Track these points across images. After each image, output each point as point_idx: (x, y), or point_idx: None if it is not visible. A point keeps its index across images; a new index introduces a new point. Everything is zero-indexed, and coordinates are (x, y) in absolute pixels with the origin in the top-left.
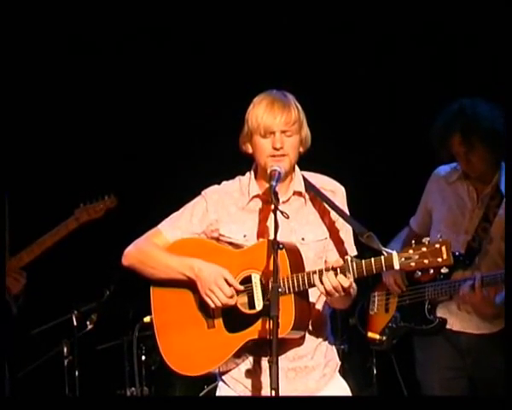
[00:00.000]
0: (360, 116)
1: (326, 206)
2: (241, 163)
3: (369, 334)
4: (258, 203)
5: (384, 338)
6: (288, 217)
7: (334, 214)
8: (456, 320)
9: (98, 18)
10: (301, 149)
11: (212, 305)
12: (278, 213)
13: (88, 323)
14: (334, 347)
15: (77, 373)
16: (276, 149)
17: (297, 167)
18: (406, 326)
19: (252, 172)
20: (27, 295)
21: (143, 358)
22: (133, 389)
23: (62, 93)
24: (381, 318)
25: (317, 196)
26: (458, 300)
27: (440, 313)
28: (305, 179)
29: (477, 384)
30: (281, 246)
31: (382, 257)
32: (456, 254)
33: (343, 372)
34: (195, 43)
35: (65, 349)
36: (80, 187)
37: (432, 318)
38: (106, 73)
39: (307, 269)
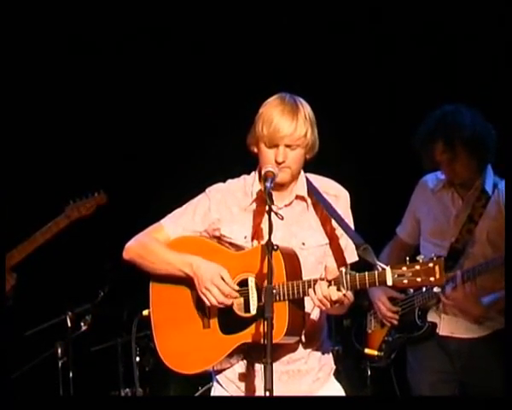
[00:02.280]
0: (360, 116)
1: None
2: (240, 162)
3: (367, 350)
4: (260, 205)
5: (382, 354)
6: (282, 218)
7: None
8: (444, 324)
9: (97, 17)
10: (307, 156)
11: (208, 303)
12: (272, 214)
13: (82, 324)
14: (330, 351)
15: (71, 374)
16: (278, 162)
17: (301, 171)
18: (401, 337)
19: (256, 173)
20: (18, 297)
21: (138, 359)
22: (127, 389)
23: (56, 91)
24: (377, 334)
25: (318, 201)
26: (444, 303)
27: (430, 318)
28: (308, 183)
29: (467, 388)
30: (275, 247)
31: (376, 272)
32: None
33: (337, 374)
34: (196, 42)
35: (59, 350)
36: (71, 185)
37: (421, 323)
38: (101, 69)
39: (306, 274)
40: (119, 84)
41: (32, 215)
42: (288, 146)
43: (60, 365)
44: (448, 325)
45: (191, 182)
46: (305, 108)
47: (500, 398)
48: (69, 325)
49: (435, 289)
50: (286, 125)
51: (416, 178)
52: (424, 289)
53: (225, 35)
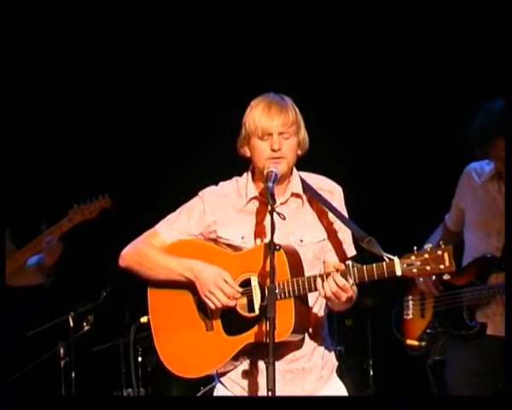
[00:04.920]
0: (360, 116)
1: (324, 207)
2: (238, 163)
3: (408, 341)
4: (255, 205)
5: (423, 344)
6: (284, 218)
7: (332, 215)
8: (491, 325)
9: (97, 18)
10: (299, 152)
11: (212, 306)
12: (275, 214)
13: (84, 324)
14: (331, 348)
15: (73, 374)
16: (273, 150)
17: (294, 168)
18: (445, 332)
19: (249, 174)
20: (21, 297)
21: (140, 359)
22: (130, 390)
23: (58, 93)
24: (417, 323)
25: (314, 198)
26: (496, 304)
27: (479, 316)
28: (302, 181)
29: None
30: (277, 247)
31: (384, 263)
32: (488, 256)
33: (340, 374)
34: (195, 45)
35: (61, 351)
36: (75, 187)
37: (473, 323)
38: (101, 72)
39: (306, 271)
40: (124, 89)
41: (35, 218)
42: (281, 134)
43: (62, 365)
44: (495, 326)
45: (193, 184)
46: (291, 101)
47: (500, 398)
48: (71, 325)
49: (445, 277)
50: (276, 112)
51: (416, 178)
52: (473, 286)
53: (225, 38)
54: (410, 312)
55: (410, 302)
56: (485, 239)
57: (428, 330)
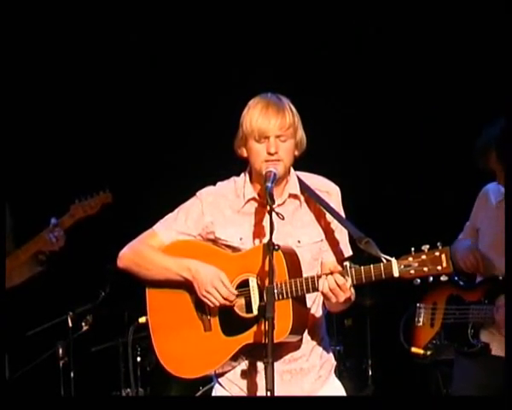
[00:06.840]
0: (358, 116)
1: (321, 207)
2: (237, 163)
3: (413, 349)
4: (253, 206)
5: (428, 353)
6: (283, 218)
7: (329, 215)
8: (497, 345)
9: (95, 17)
10: (296, 153)
11: (211, 305)
12: (274, 214)
13: (83, 324)
14: (330, 348)
15: (72, 375)
16: (270, 153)
17: (292, 169)
18: (450, 345)
19: (247, 174)
20: (19, 296)
21: (139, 359)
22: (128, 390)
23: (58, 89)
24: (425, 332)
25: (312, 198)
26: (498, 325)
27: (483, 336)
28: (300, 181)
29: None
30: (276, 247)
31: (382, 264)
32: (500, 278)
33: (338, 374)
34: (194, 43)
35: (60, 351)
36: (76, 183)
37: (475, 342)
38: (101, 69)
39: (304, 272)
40: (126, 88)
41: (37, 214)
42: (278, 137)
43: (61, 365)
44: (500, 345)
45: (192, 184)
46: (289, 102)
47: (500, 398)
48: (70, 325)
49: (442, 278)
50: (273, 115)
51: (416, 180)
52: (481, 304)
53: (224, 37)
54: (421, 319)
55: (423, 310)
56: (499, 260)
57: (435, 341)
